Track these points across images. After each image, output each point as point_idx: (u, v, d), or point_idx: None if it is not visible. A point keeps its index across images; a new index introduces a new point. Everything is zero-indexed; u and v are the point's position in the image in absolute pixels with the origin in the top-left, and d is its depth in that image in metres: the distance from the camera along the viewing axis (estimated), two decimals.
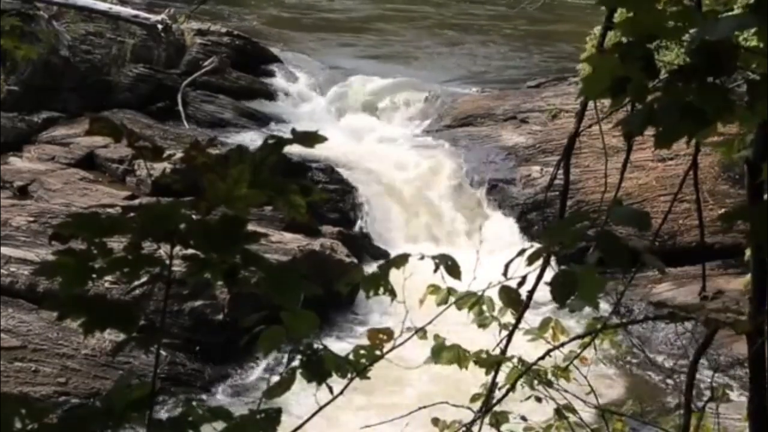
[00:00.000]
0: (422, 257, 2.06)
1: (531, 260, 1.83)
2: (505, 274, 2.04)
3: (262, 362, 7.59)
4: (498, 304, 2.76)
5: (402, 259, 1.99)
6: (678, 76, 1.45)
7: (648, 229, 1.67)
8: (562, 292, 1.60)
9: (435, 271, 2.09)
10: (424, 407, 3.18)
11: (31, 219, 8.35)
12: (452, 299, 2.71)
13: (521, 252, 1.89)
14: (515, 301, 1.91)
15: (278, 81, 12.10)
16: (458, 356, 2.96)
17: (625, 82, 1.50)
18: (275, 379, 1.78)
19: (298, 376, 1.78)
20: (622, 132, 1.52)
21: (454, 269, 2.07)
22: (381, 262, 2.13)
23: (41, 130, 10.21)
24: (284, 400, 1.77)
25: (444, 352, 2.90)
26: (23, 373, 6.97)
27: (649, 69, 1.49)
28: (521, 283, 2.14)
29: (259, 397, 1.69)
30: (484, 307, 2.62)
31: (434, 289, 2.78)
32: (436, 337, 2.94)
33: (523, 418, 3.31)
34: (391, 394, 6.78)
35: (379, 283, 2.05)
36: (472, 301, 2.68)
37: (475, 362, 2.97)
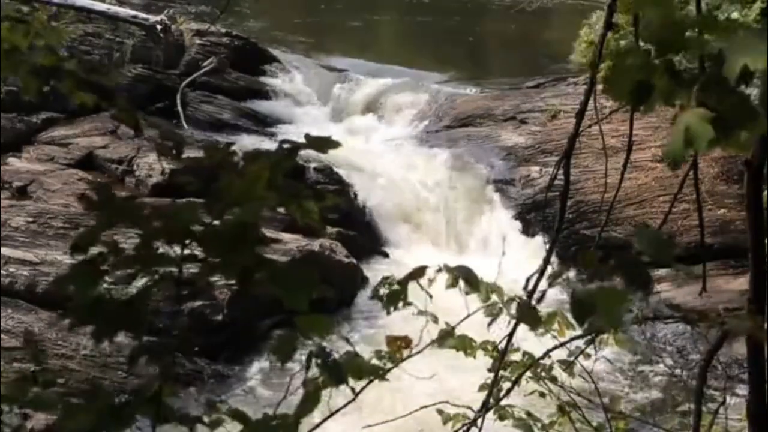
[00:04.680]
0: (440, 269, 2.05)
1: (553, 281, 1.82)
2: (525, 287, 2.03)
3: (262, 362, 7.59)
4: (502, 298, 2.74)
5: (419, 272, 1.98)
6: (700, 84, 1.45)
7: (670, 256, 1.65)
8: (581, 311, 1.58)
9: (452, 286, 2.08)
10: (425, 407, 3.18)
11: (30, 219, 8.35)
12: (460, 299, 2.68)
13: (541, 269, 1.88)
14: (534, 318, 1.89)
15: (277, 81, 12.10)
16: (464, 344, 2.96)
17: (648, 87, 1.49)
18: (293, 386, 1.77)
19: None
20: (669, 165, 1.52)
21: (472, 281, 2.06)
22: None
23: (40, 130, 10.21)
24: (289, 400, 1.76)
25: (450, 339, 2.88)
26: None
27: (672, 74, 1.48)
28: (531, 294, 2.14)
29: (276, 403, 1.68)
30: (494, 296, 2.60)
31: (445, 271, 2.74)
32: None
33: (528, 413, 3.31)
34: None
35: (400, 298, 2.06)
36: (484, 288, 2.66)
37: (483, 350, 2.98)
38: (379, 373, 1.97)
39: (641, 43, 1.56)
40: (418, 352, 2.19)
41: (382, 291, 2.15)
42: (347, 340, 1.80)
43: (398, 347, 2.15)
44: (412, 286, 2.05)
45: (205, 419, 1.43)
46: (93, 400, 1.36)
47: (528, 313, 1.90)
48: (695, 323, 2.37)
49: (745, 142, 1.49)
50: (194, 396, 7.12)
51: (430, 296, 2.06)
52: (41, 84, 2.03)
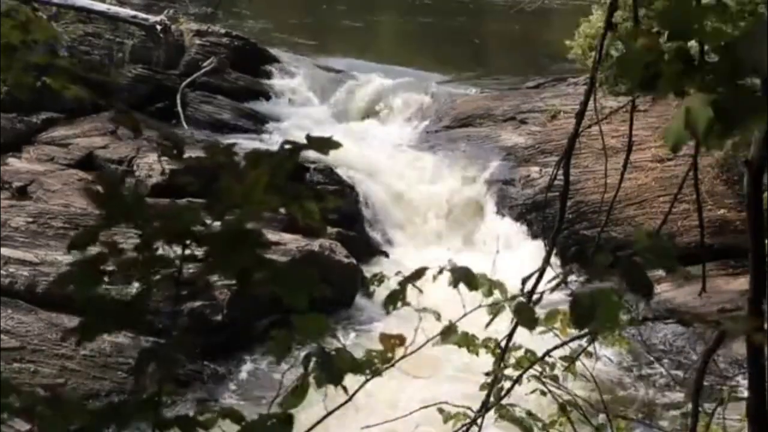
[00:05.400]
0: (441, 271, 2.06)
1: (556, 285, 1.82)
2: (523, 288, 2.03)
3: (262, 363, 7.60)
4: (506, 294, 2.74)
5: (419, 273, 1.99)
6: (709, 75, 1.44)
7: (671, 263, 1.65)
8: (581, 315, 1.58)
9: (455, 286, 2.08)
10: (425, 407, 3.18)
11: (30, 220, 8.35)
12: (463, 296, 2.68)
13: (540, 269, 1.88)
14: (531, 319, 1.89)
15: (277, 82, 12.10)
16: (467, 340, 2.96)
17: (657, 72, 1.49)
18: (286, 384, 1.77)
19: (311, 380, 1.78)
20: (669, 147, 1.50)
21: (471, 282, 2.06)
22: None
23: (40, 130, 10.20)
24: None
25: (453, 335, 2.88)
26: (22, 374, 6.96)
27: (684, 61, 1.47)
28: (530, 294, 2.13)
29: (270, 402, 1.68)
30: (497, 293, 2.60)
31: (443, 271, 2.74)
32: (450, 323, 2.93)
33: (529, 413, 3.31)
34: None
35: (398, 298, 2.06)
36: (486, 285, 2.65)
37: (485, 348, 2.98)
38: (375, 372, 1.97)
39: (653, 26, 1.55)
40: (414, 352, 2.19)
41: (372, 288, 2.16)
42: (338, 339, 1.81)
43: (392, 345, 2.14)
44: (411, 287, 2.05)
45: (201, 420, 1.43)
46: (59, 406, 1.36)
47: (525, 314, 1.90)
48: (691, 325, 2.36)
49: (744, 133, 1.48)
50: (193, 396, 7.12)
51: (421, 291, 2.06)
52: (34, 81, 2.03)
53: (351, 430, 3.39)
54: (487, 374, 2.98)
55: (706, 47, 1.64)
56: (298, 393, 1.63)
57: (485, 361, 3.16)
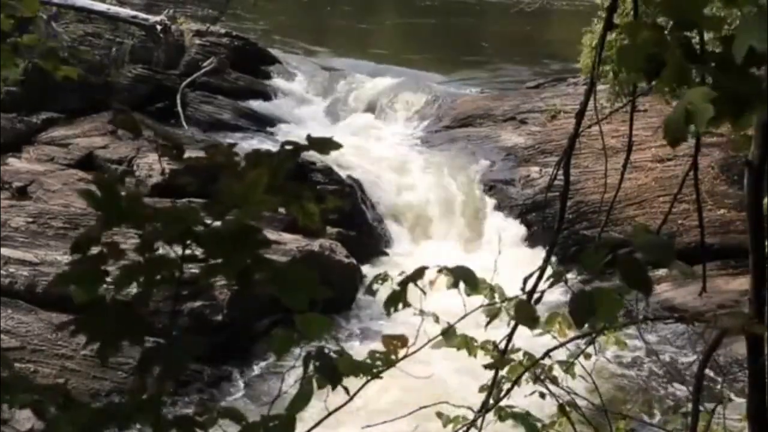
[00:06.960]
0: (440, 271, 2.05)
1: (553, 282, 1.83)
2: (523, 288, 2.03)
3: (261, 363, 7.60)
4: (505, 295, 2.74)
5: (419, 273, 1.98)
6: (716, 63, 1.43)
7: (671, 261, 1.65)
8: (581, 313, 1.59)
9: (455, 286, 2.07)
10: (425, 407, 3.18)
11: (30, 220, 8.35)
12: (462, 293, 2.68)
13: (540, 269, 1.88)
14: (531, 318, 1.89)
15: (277, 82, 12.10)
16: (465, 343, 2.96)
17: (658, 65, 1.48)
18: (286, 384, 1.77)
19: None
20: (667, 141, 1.49)
21: (471, 282, 2.06)
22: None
23: (40, 130, 10.20)
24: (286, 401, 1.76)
25: (451, 338, 2.88)
26: (22, 374, 6.96)
27: (686, 51, 1.47)
28: (530, 294, 2.13)
29: (270, 402, 1.68)
30: (496, 296, 2.60)
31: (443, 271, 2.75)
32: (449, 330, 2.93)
33: (528, 414, 3.31)
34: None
35: (399, 299, 2.05)
36: (484, 289, 2.65)
37: (484, 350, 2.98)
38: (374, 373, 1.97)
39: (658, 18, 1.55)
40: (415, 352, 2.19)
41: (375, 287, 2.15)
42: (336, 340, 1.81)
43: (394, 347, 2.14)
44: (411, 287, 2.05)
45: (201, 420, 1.43)
46: (69, 407, 1.36)
47: (526, 313, 1.90)
48: (691, 323, 2.36)
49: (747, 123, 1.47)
50: (193, 397, 7.12)
51: (424, 293, 2.06)
52: (25, 62, 2.03)
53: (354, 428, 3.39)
54: (487, 367, 2.98)
55: (706, 37, 1.63)
56: (303, 396, 1.63)
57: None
